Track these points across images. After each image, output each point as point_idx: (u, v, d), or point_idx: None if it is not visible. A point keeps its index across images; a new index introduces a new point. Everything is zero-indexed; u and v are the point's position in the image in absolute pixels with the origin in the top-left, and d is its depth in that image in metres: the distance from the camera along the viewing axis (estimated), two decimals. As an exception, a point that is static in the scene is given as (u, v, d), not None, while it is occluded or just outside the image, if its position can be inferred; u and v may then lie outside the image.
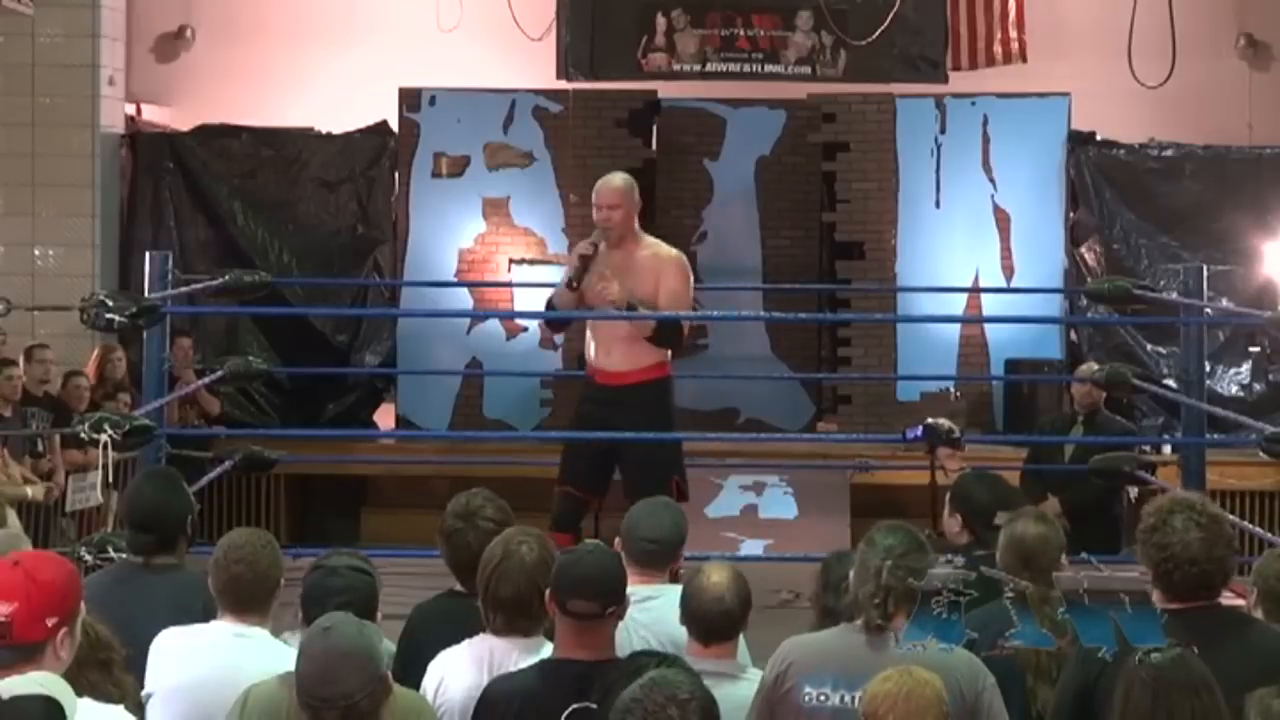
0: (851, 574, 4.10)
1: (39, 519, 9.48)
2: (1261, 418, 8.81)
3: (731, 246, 12.82)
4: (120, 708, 3.45)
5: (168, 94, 14.24)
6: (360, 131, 12.87)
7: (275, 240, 12.67)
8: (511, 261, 12.17)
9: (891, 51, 13.22)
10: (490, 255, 12.35)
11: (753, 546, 9.94)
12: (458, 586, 4.71)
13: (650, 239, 7.49)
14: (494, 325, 11.97)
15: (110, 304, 6.87)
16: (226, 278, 8.38)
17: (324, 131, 12.97)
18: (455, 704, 4.17)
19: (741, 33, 13.35)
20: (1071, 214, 12.38)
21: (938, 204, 12.24)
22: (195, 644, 4.39)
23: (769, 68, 13.34)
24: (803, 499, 10.79)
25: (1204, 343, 8.61)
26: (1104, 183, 12.46)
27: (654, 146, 12.80)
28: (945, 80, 13.21)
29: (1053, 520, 4.98)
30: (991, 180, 12.22)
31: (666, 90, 12.94)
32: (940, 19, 13.36)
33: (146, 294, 7.47)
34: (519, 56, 13.48)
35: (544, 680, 3.99)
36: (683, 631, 4.31)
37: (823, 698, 3.96)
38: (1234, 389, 12.25)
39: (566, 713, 3.88)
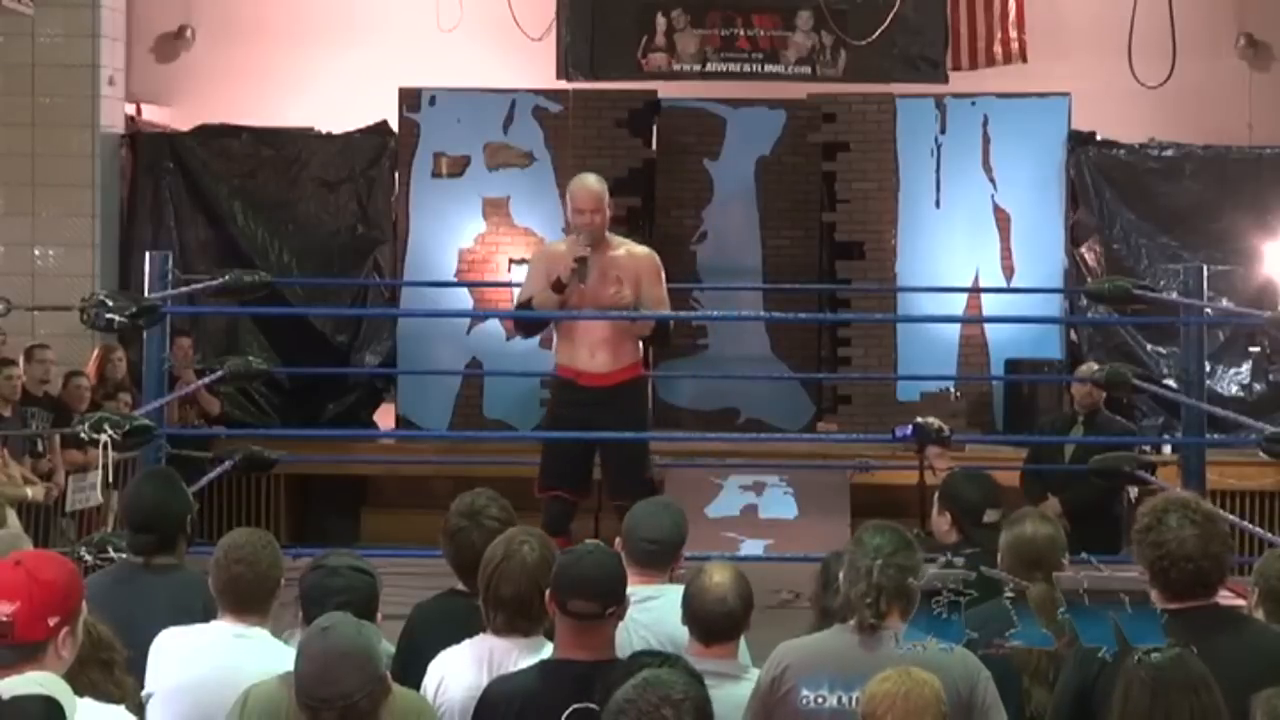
0: (841, 575, 4.10)
1: (39, 519, 9.48)
2: (1261, 418, 8.81)
3: (731, 246, 12.82)
4: (121, 708, 3.45)
5: (168, 94, 14.24)
6: (360, 131, 12.87)
7: (275, 240, 12.67)
8: (511, 261, 12.17)
9: (891, 51, 13.22)
10: (490, 255, 12.35)
11: (753, 546, 9.93)
12: (458, 586, 4.71)
13: (618, 237, 7.52)
14: (494, 325, 11.95)
15: (110, 304, 6.87)
16: (226, 278, 8.38)
17: (324, 131, 12.97)
18: (455, 703, 4.17)
19: (741, 33, 13.35)
20: (1071, 214, 12.38)
21: (938, 204, 12.24)
22: (195, 644, 4.39)
23: (769, 68, 13.34)
24: (803, 499, 10.78)
25: (1204, 343, 8.62)
26: (1104, 183, 12.46)
27: (654, 146, 12.80)
28: (945, 80, 13.21)
29: (1054, 520, 4.99)
30: (991, 180, 12.22)
31: (666, 90, 12.94)
32: (940, 19, 13.36)
33: (146, 294, 7.47)
34: (519, 56, 13.48)
35: (544, 680, 3.99)
36: (683, 631, 4.31)
37: (820, 700, 3.96)
38: (1234, 389, 12.25)
39: (567, 713, 3.88)
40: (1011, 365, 11.91)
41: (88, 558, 6.04)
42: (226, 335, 12.43)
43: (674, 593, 4.47)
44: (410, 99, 12.41)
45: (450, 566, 4.74)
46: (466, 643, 4.28)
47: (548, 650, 4.13)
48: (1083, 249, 12.41)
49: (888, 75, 13.11)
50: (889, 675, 3.61)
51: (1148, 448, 9.88)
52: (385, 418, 12.65)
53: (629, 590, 4.16)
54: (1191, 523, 3.98)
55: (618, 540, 4.79)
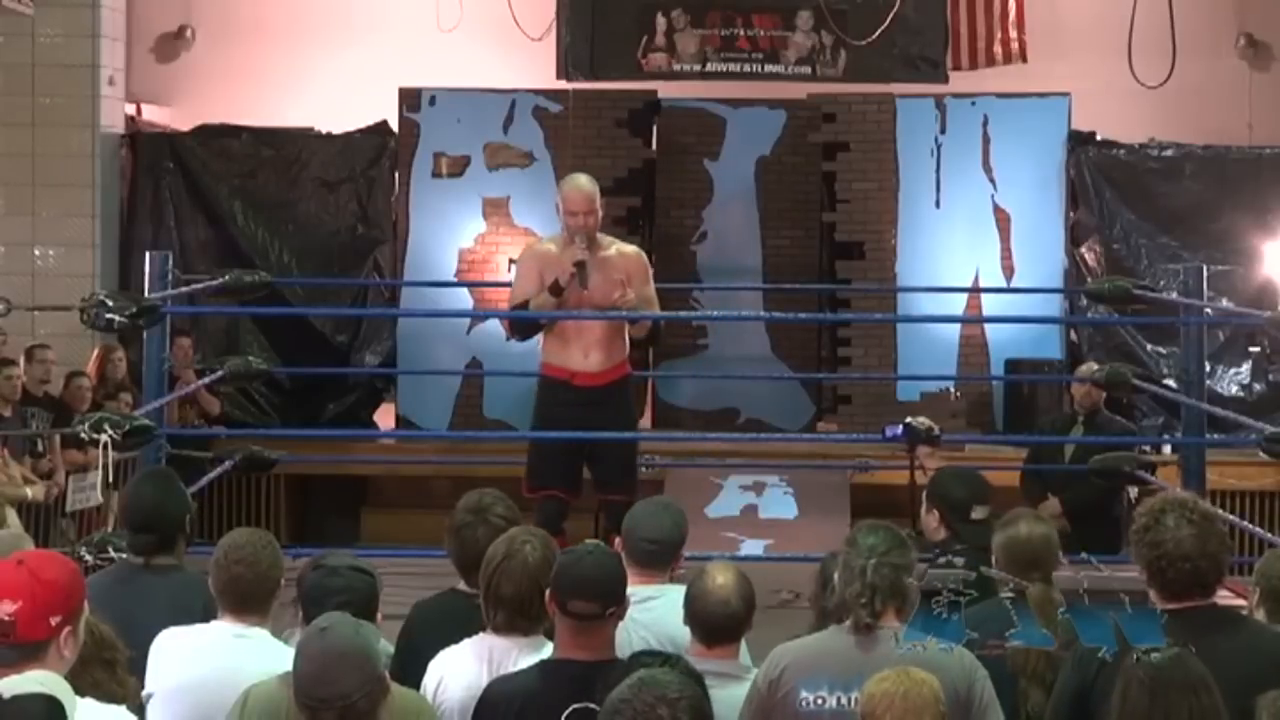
0: (836, 575, 4.10)
1: (39, 519, 9.48)
2: (1261, 418, 8.81)
3: (731, 246, 12.81)
4: (122, 708, 3.45)
5: (168, 94, 14.24)
6: (360, 131, 12.87)
7: (275, 240, 12.67)
8: (511, 261, 12.13)
9: (891, 51, 13.22)
10: (490, 255, 12.35)
11: (753, 546, 9.94)
12: (458, 586, 4.71)
13: (607, 237, 7.52)
14: (494, 325, 11.91)
15: (110, 304, 6.87)
16: (226, 278, 8.39)
17: (324, 131, 12.97)
18: (455, 702, 4.18)
19: (741, 33, 13.35)
20: (1071, 214, 12.38)
21: (938, 204, 12.24)
22: (195, 644, 4.39)
23: (769, 68, 13.34)
24: (803, 499, 10.79)
25: (1204, 343, 8.62)
26: (1104, 183, 12.46)
27: (654, 146, 12.80)
28: (945, 80, 13.21)
29: (1047, 519, 4.99)
30: (991, 180, 12.22)
31: (666, 90, 12.94)
32: (940, 19, 13.36)
33: (146, 294, 7.47)
34: (519, 56, 13.49)
35: (544, 681, 3.99)
36: (683, 632, 4.31)
37: (820, 701, 3.96)
38: (1234, 389, 12.25)
39: (566, 713, 3.88)
40: (1011, 365, 11.91)
41: (88, 558, 6.04)
42: (226, 335, 12.43)
43: (674, 593, 4.48)
44: (410, 99, 12.42)
45: (453, 563, 4.74)
46: (466, 642, 4.29)
47: (548, 650, 4.13)
48: (1083, 249, 12.41)
49: (888, 75, 13.11)
50: (887, 675, 3.62)
51: (1148, 448, 9.88)
52: (385, 418, 12.65)
53: (629, 590, 4.16)
54: (1189, 522, 3.98)
55: (617, 540, 4.80)
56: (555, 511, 7.24)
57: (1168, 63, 13.10)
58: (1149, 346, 12.28)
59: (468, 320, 12.18)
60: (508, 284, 11.84)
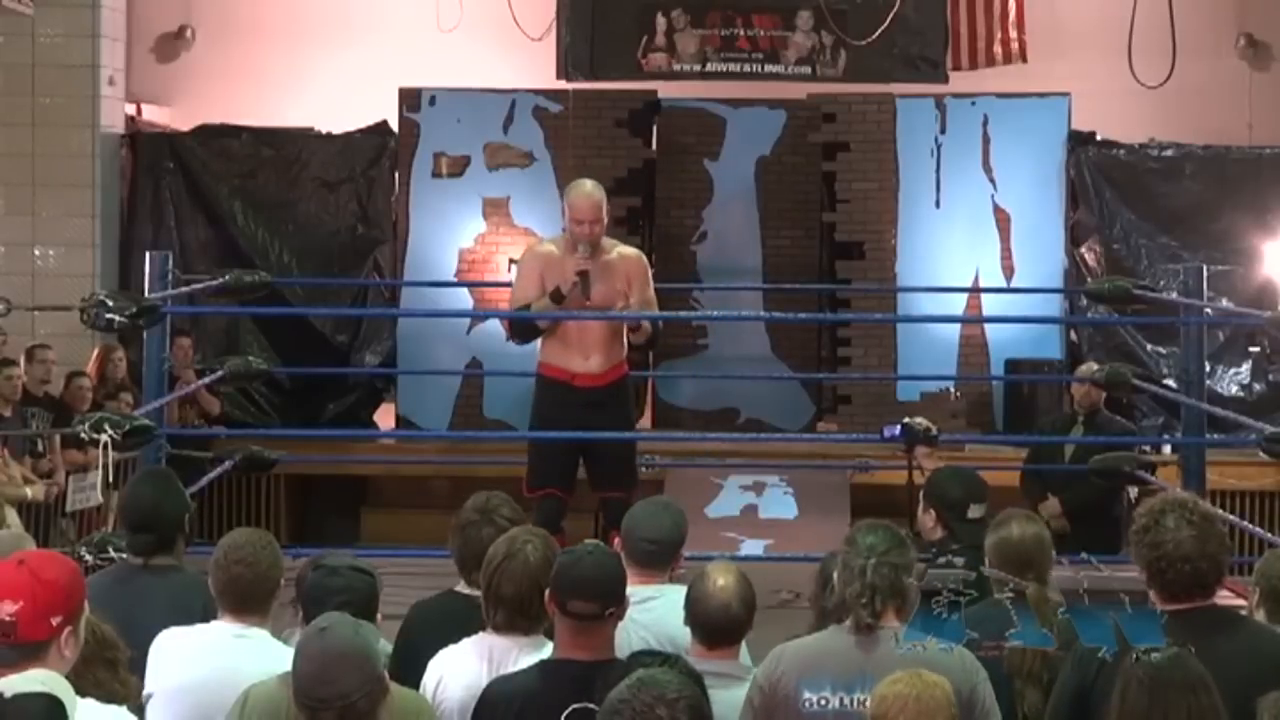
0: (835, 575, 4.09)
1: (39, 519, 9.48)
2: (1261, 418, 8.81)
3: (731, 246, 12.81)
4: (123, 708, 3.45)
5: (168, 94, 14.25)
6: (360, 131, 12.87)
7: (275, 240, 12.67)
8: (511, 261, 12.14)
9: (891, 51, 13.22)
10: (490, 255, 12.35)
11: (753, 546, 9.94)
12: (457, 587, 4.72)
13: (608, 239, 7.51)
14: (494, 325, 11.91)
15: (110, 304, 6.88)
16: (226, 278, 8.39)
17: (324, 131, 12.97)
18: (454, 702, 4.18)
19: (741, 33, 13.35)
20: (1071, 214, 12.38)
21: (938, 204, 12.24)
22: (195, 645, 4.39)
23: (769, 68, 13.34)
24: (803, 499, 10.79)
25: (1204, 343, 8.62)
26: (1104, 183, 12.46)
27: (654, 146, 12.80)
28: (945, 80, 13.21)
29: (1039, 519, 4.98)
30: (991, 180, 12.22)
31: (666, 90, 12.94)
32: (940, 19, 13.36)
33: (146, 294, 7.48)
34: (519, 56, 13.49)
35: (544, 681, 3.99)
36: (683, 632, 4.31)
37: (823, 702, 3.95)
38: (1234, 389, 12.25)
39: (566, 713, 3.88)
40: (1011, 365, 11.91)
41: (88, 558, 6.04)
42: (226, 335, 12.43)
43: (674, 593, 4.48)
44: (410, 99, 12.41)
45: (454, 561, 4.75)
46: (466, 641, 4.29)
47: (548, 649, 4.13)
48: (1083, 249, 12.41)
49: (888, 75, 13.11)
50: (900, 677, 3.60)
51: (1148, 448, 9.88)
52: (385, 418, 12.65)
53: (629, 590, 4.16)
54: (1189, 523, 3.98)
55: (617, 540, 4.79)
56: (555, 510, 7.27)
57: (1168, 63, 13.10)
58: (1149, 346, 12.28)
59: (468, 320, 12.18)
60: (508, 284, 11.86)
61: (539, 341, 7.48)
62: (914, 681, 3.58)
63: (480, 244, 12.37)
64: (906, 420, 7.37)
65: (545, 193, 12.26)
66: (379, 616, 4.24)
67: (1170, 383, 11.07)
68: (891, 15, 12.99)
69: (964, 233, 12.15)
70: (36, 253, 12.46)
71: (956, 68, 13.38)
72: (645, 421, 12.01)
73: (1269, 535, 8.27)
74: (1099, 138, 12.64)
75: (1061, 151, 12.27)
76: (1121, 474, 8.22)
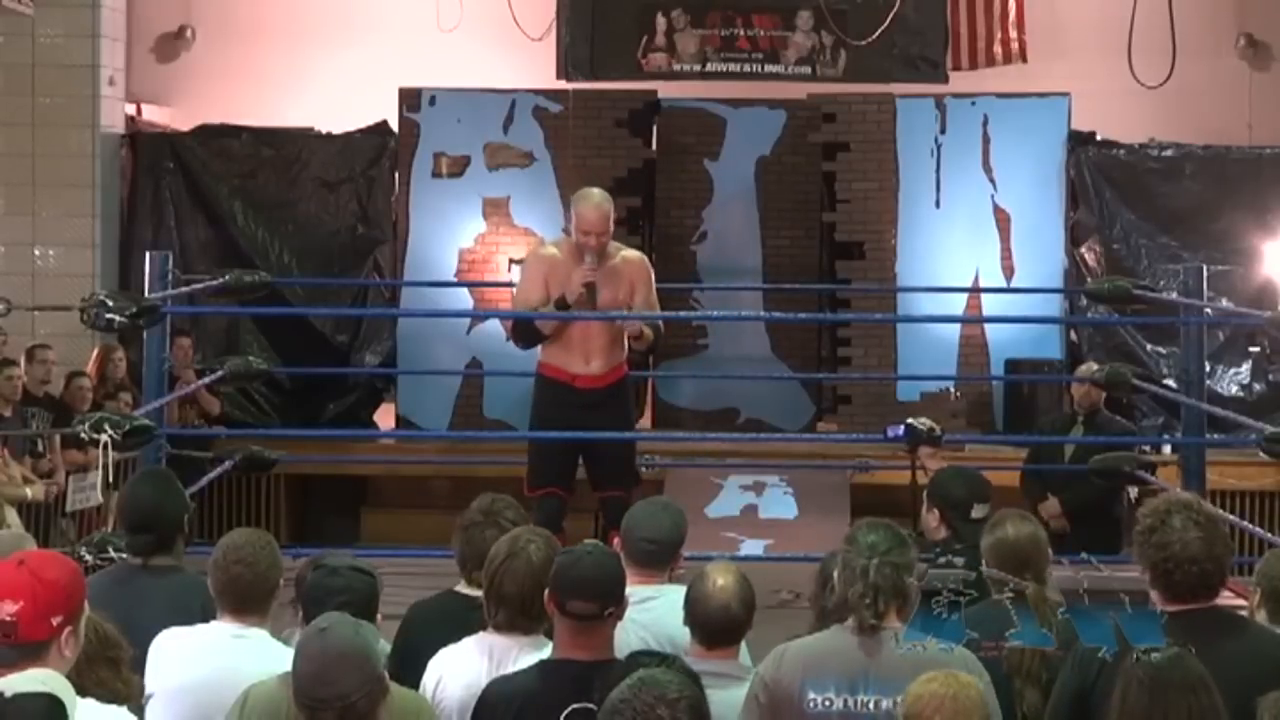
0: (836, 574, 4.07)
1: (39, 519, 9.48)
2: (1261, 418, 8.81)
3: (731, 246, 12.81)
4: (124, 709, 3.45)
5: (168, 94, 14.25)
6: (360, 131, 12.87)
7: (275, 240, 12.67)
8: (512, 261, 12.16)
9: (891, 51, 13.22)
10: (490, 255, 12.35)
11: (753, 546, 9.94)
12: (456, 587, 4.72)
13: (612, 243, 7.49)
14: (494, 325, 11.92)
15: (110, 304, 6.87)
16: (226, 278, 8.39)
17: (324, 131, 12.97)
18: (454, 701, 4.18)
19: (741, 33, 13.35)
20: (1071, 214, 12.38)
21: (938, 204, 12.24)
22: (194, 645, 4.39)
23: (769, 68, 13.34)
24: (803, 499, 10.79)
25: (1204, 343, 8.62)
26: (1104, 183, 12.46)
27: (654, 146, 12.80)
28: (945, 80, 13.21)
29: (1033, 518, 4.98)
30: (991, 180, 12.22)
31: (666, 90, 12.93)
32: (940, 19, 13.36)
33: (146, 294, 7.48)
34: (519, 56, 13.49)
35: (543, 681, 3.99)
36: (683, 632, 4.31)
37: (828, 703, 3.93)
38: (1234, 389, 12.25)
39: (565, 713, 3.88)
40: (1011, 365, 11.91)
41: (88, 558, 6.04)
42: (226, 335, 12.43)
43: (673, 593, 4.48)
44: (410, 99, 12.41)
45: (456, 560, 4.75)
46: (467, 640, 4.29)
47: (548, 649, 4.13)
48: (1083, 249, 12.41)
49: (888, 75, 13.11)
50: (934, 676, 3.58)
51: (1148, 448, 9.89)
52: (385, 418, 12.65)
53: (628, 590, 4.16)
54: (1195, 524, 3.98)
55: (616, 540, 4.79)
56: (556, 510, 7.27)
57: (1168, 63, 13.10)
58: (1149, 346, 12.28)
59: (468, 320, 12.18)
60: (508, 284, 11.96)
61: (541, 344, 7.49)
62: (949, 681, 3.56)
63: (480, 244, 12.37)
64: (910, 420, 7.37)
65: (545, 193, 12.26)
66: (379, 617, 4.24)
67: (1170, 383, 11.07)
68: (891, 15, 13.00)
69: (964, 233, 12.15)
70: (36, 253, 12.47)
71: (956, 68, 13.38)
72: (645, 421, 12.00)
73: (1269, 535, 8.27)
74: (1099, 138, 12.64)
75: (1061, 151, 12.27)
76: (1121, 474, 8.22)
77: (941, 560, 5.02)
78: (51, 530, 9.63)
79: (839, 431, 11.93)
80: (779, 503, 10.82)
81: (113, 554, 5.91)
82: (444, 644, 4.33)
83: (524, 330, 7.42)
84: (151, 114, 13.99)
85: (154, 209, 12.77)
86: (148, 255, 7.84)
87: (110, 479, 7.36)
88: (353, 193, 12.79)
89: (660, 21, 13.34)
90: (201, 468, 8.46)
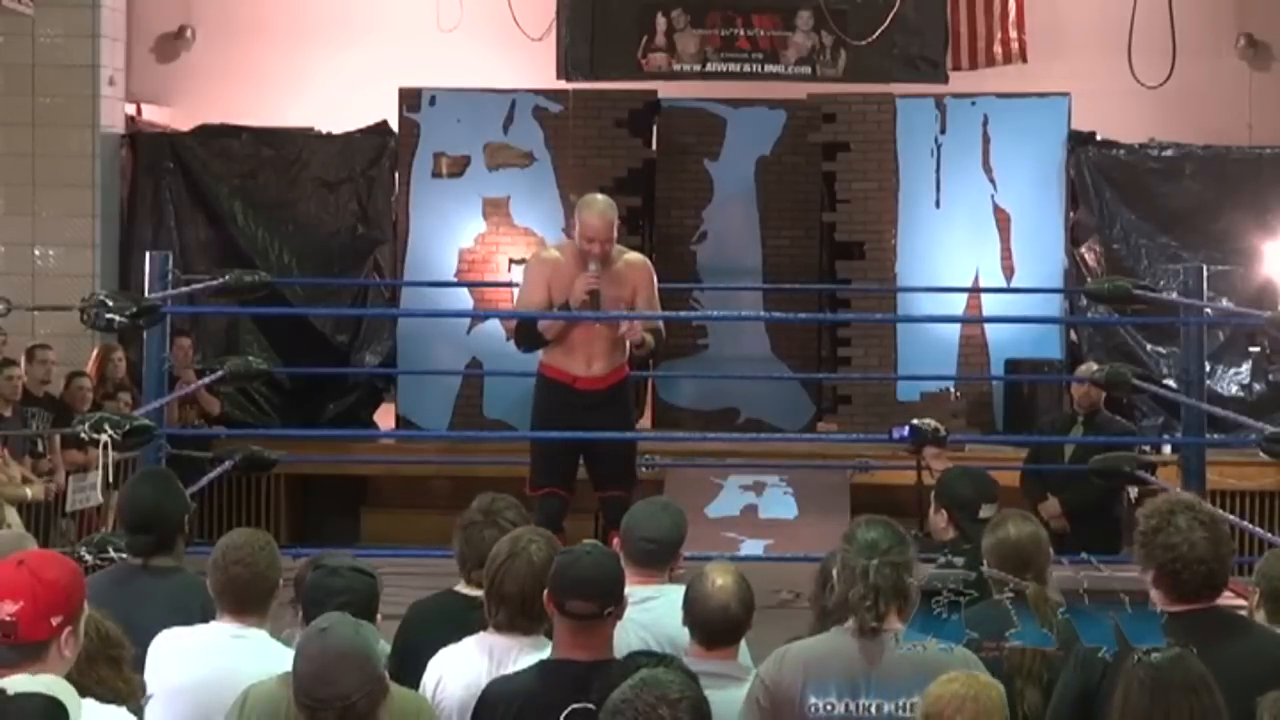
0: (835, 574, 4.04)
1: (39, 519, 9.49)
2: (1261, 418, 8.80)
3: (731, 246, 12.81)
4: (123, 708, 3.45)
5: (168, 94, 14.25)
6: (360, 131, 12.87)
7: (275, 240, 12.67)
8: (511, 261, 12.17)
9: (891, 51, 13.22)
10: (490, 255, 12.36)
11: (753, 546, 9.94)
12: (456, 586, 4.72)
13: (616, 246, 7.48)
14: (494, 325, 11.94)
15: (110, 304, 6.87)
16: (226, 278, 8.39)
17: (324, 131, 12.98)
18: (454, 701, 4.18)
19: (741, 33, 13.35)
20: (1071, 214, 12.38)
21: (938, 204, 12.24)
22: (193, 645, 4.39)
23: (769, 68, 13.34)
24: (803, 499, 10.79)
25: (1204, 343, 8.62)
26: (1104, 183, 12.46)
27: (654, 146, 12.80)
28: (945, 80, 13.22)
29: (1034, 518, 4.98)
30: (991, 180, 12.22)
31: (666, 90, 12.94)
32: (940, 19, 13.36)
33: (146, 294, 7.48)
34: (519, 56, 13.49)
35: (543, 681, 3.99)
36: (682, 632, 4.30)
37: (829, 707, 3.90)
38: (1234, 389, 12.25)
39: (565, 713, 3.88)
40: (1011, 365, 11.91)
41: (88, 558, 6.04)
42: (226, 335, 12.44)
43: (673, 593, 4.47)
44: (410, 99, 12.41)
45: (456, 559, 4.75)
46: (467, 640, 4.29)
47: (548, 650, 4.13)
48: (1083, 249, 12.41)
49: (888, 75, 13.11)
50: (955, 676, 3.58)
51: (1148, 448, 9.88)
52: (385, 418, 12.65)
53: (628, 590, 4.16)
54: (1200, 524, 3.97)
55: (616, 540, 4.79)
56: (557, 509, 7.27)
57: (1168, 63, 13.10)
58: (1149, 346, 12.28)
59: (468, 320, 12.18)
60: (508, 284, 11.97)
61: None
62: (970, 682, 3.55)
63: (480, 244, 12.37)
64: (915, 421, 7.38)
65: (545, 193, 12.27)
66: (379, 617, 4.23)
67: (1170, 383, 11.07)
68: (891, 15, 13.00)
69: (964, 233, 12.15)
70: (36, 253, 12.47)
71: (956, 68, 13.38)
72: (645, 421, 12.01)
73: (1269, 535, 8.27)
74: (1099, 138, 12.64)
75: (1061, 151, 12.27)
76: (1121, 474, 8.21)
77: (941, 560, 5.02)
78: (51, 530, 9.63)
79: (839, 431, 11.94)
80: (779, 503, 10.82)
81: (113, 554, 5.91)
82: (444, 644, 4.33)
83: (526, 334, 7.41)
84: (151, 114, 13.99)
85: (154, 209, 12.77)
86: (148, 255, 7.84)
87: (110, 479, 7.36)
88: (353, 193, 12.79)
89: (660, 21, 13.34)
90: (201, 468, 8.46)
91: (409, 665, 4.35)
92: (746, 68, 13.35)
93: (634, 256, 7.56)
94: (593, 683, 3.81)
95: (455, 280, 12.26)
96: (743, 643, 4.32)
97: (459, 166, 12.37)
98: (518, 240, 12.24)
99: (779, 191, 12.83)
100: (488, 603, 4.27)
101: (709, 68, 13.35)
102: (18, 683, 3.12)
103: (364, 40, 13.89)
